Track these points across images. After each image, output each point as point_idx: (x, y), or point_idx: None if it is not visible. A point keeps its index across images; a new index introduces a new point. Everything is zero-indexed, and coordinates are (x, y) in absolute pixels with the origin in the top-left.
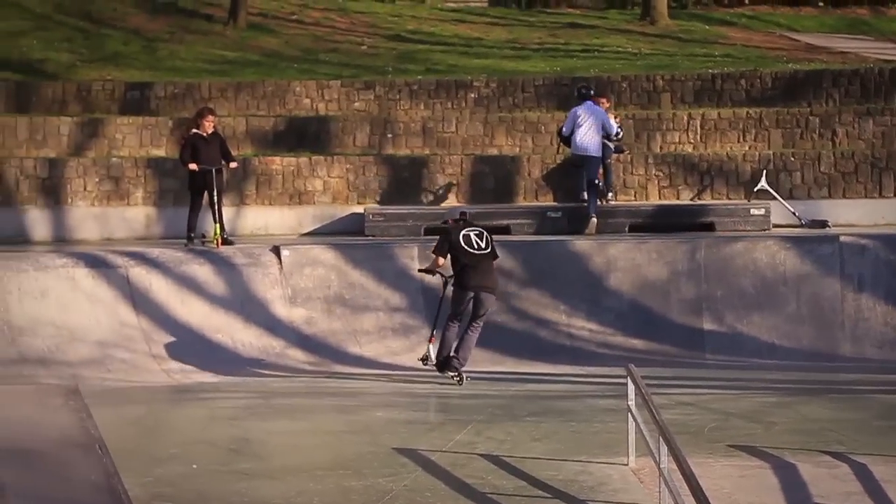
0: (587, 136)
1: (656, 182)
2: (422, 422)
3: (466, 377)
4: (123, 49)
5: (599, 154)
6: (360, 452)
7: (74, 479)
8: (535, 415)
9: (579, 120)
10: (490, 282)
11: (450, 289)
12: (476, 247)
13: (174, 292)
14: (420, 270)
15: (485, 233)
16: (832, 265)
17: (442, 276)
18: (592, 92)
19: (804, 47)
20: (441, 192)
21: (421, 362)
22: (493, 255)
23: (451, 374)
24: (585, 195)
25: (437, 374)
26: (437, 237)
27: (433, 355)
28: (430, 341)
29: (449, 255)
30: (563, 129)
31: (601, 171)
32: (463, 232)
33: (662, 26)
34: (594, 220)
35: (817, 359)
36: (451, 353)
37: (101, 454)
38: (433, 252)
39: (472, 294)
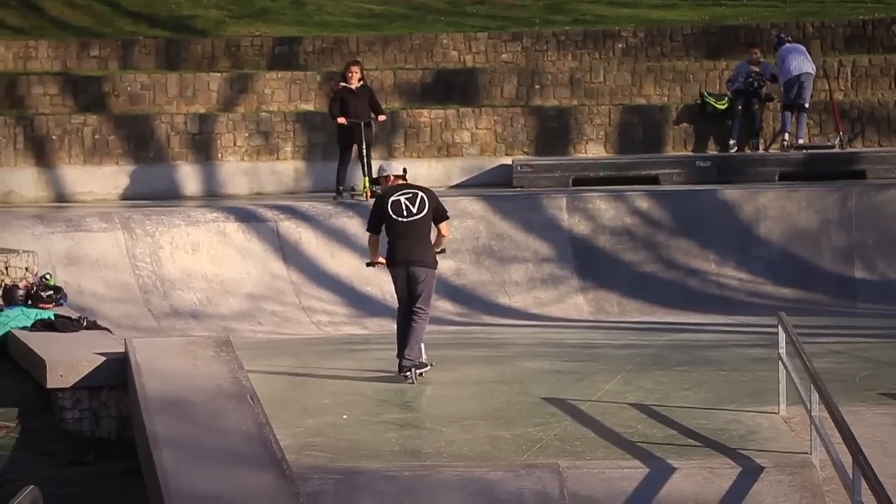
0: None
1: (807, 129)
2: (571, 372)
3: (418, 373)
4: (271, 4)
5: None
6: (509, 402)
7: (226, 429)
8: (684, 364)
9: (789, 56)
10: (419, 253)
11: None
12: (406, 213)
13: (323, 245)
14: (368, 265)
15: (420, 194)
16: None
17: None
18: (789, 38)
19: None
20: (589, 142)
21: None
22: (431, 219)
23: (405, 375)
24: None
25: (577, 327)
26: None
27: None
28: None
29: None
30: (778, 74)
31: (751, 117)
32: (393, 198)
33: None
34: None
35: None
36: (398, 353)
37: (252, 404)
38: (367, 230)
39: (402, 271)
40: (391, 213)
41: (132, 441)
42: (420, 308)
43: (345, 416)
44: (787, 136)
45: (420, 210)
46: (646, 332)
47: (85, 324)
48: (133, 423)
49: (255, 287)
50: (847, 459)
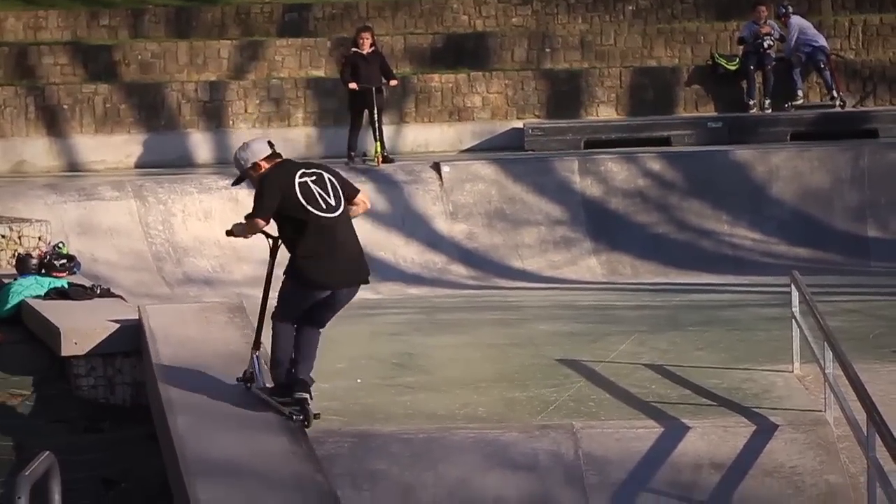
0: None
1: (818, 90)
2: (585, 333)
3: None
4: None
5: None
6: (523, 364)
7: (241, 394)
8: (698, 324)
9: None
10: (362, 265)
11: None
12: (325, 206)
13: None
14: (227, 233)
15: (325, 175)
16: None
17: (269, 236)
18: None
19: None
20: (600, 105)
21: (242, 382)
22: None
23: (293, 412)
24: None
25: (590, 289)
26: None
27: (259, 374)
28: (253, 351)
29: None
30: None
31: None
32: (299, 178)
33: None
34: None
35: None
36: (295, 376)
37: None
38: (252, 215)
39: (327, 294)
40: (302, 200)
41: (147, 407)
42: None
43: (359, 380)
44: (800, 93)
45: (337, 199)
46: (659, 293)
47: (98, 292)
48: (147, 389)
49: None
50: (861, 416)
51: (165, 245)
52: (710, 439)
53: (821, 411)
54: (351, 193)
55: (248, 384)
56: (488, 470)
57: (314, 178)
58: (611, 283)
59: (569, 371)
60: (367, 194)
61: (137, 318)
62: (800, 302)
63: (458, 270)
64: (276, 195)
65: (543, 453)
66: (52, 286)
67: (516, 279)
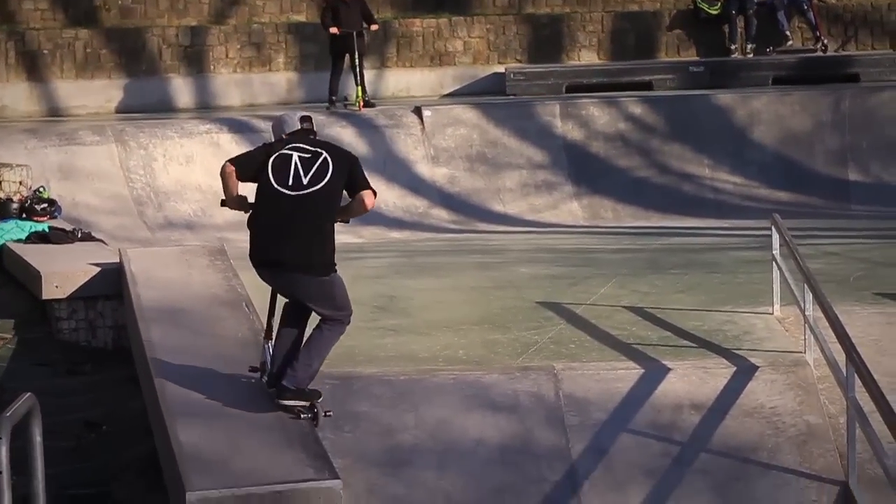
0: None
1: (800, 34)
2: (566, 276)
3: (325, 412)
4: None
5: None
6: (504, 307)
7: (222, 336)
8: (679, 267)
9: None
10: (298, 251)
11: None
12: (293, 182)
13: None
14: (222, 203)
15: (325, 155)
16: None
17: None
18: None
19: None
20: (582, 49)
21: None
22: (332, 197)
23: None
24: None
25: (571, 232)
26: None
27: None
28: (265, 341)
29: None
30: None
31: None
32: (282, 151)
33: None
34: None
35: None
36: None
37: (247, 311)
38: (227, 170)
39: (267, 276)
40: (271, 176)
41: (128, 350)
42: (331, 317)
43: None
44: (788, 34)
45: (321, 177)
46: (640, 237)
47: (80, 235)
48: (129, 332)
49: (250, 197)
50: (841, 357)
51: (146, 189)
52: (691, 380)
53: (801, 353)
54: (355, 188)
55: (263, 376)
56: (469, 411)
57: (309, 156)
58: (592, 226)
59: (549, 313)
60: (372, 197)
61: (118, 261)
62: (780, 245)
63: (440, 214)
64: (258, 156)
65: (524, 395)
66: (32, 230)
67: (498, 223)
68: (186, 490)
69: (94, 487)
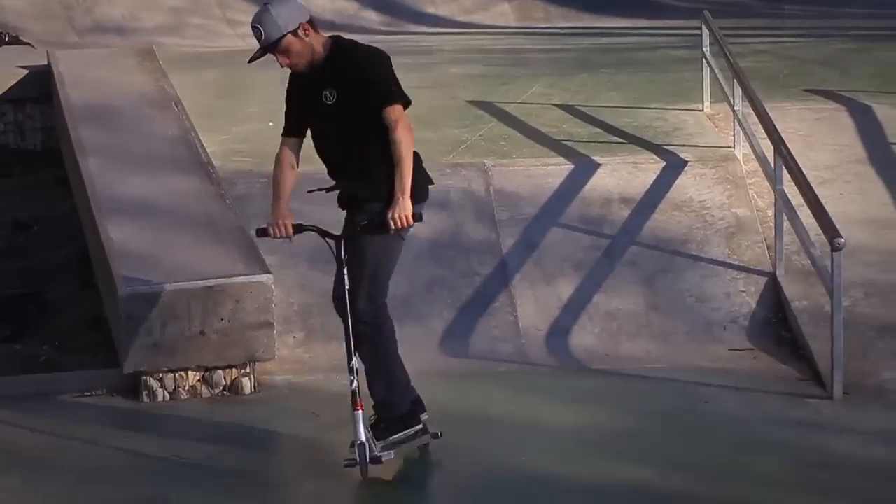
0: None
1: None
2: (496, 76)
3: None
4: None
5: None
6: (434, 106)
7: (151, 135)
8: (610, 66)
9: None
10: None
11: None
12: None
13: None
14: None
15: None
16: None
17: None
18: None
19: None
20: None
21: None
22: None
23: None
24: None
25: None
26: None
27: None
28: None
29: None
30: None
31: None
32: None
33: None
34: None
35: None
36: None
37: (177, 111)
38: (399, 99)
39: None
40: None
41: (58, 151)
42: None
43: (271, 123)
44: None
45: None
46: (571, 38)
47: (7, 39)
48: (58, 133)
49: (179, 1)
50: (769, 152)
51: None
52: (620, 175)
53: (730, 147)
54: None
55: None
56: None
57: None
58: (523, 27)
59: (480, 112)
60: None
61: (47, 63)
62: (710, 42)
63: (370, 16)
64: None
65: (455, 191)
66: None
67: (428, 24)
68: (118, 287)
69: (27, 287)
